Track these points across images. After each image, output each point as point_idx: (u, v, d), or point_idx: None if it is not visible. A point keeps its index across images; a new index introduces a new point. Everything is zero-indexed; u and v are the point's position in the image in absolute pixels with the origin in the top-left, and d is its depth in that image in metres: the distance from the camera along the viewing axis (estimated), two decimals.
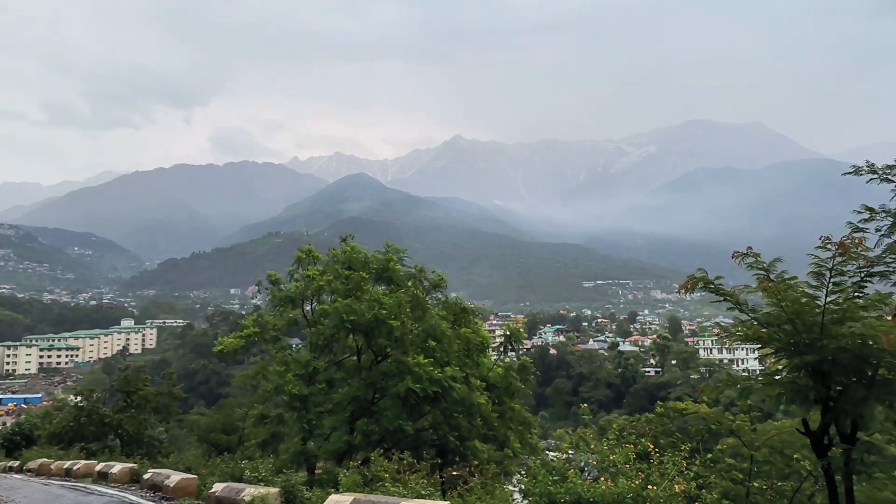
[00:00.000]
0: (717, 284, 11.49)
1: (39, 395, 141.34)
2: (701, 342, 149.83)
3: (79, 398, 35.48)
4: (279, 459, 19.99)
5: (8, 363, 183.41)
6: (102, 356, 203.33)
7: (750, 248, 11.48)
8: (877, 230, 11.92)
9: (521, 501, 11.38)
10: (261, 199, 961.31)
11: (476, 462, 17.41)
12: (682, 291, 11.92)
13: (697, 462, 13.25)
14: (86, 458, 24.69)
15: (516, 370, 26.34)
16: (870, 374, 10.63)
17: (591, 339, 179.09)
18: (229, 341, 24.56)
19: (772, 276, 11.03)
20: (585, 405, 36.28)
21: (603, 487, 9.40)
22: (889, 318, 10.87)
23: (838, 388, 10.93)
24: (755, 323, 11.49)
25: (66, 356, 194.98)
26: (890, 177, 12.05)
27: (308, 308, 25.21)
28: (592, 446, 11.97)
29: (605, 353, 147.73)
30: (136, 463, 21.20)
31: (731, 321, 12.64)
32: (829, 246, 10.62)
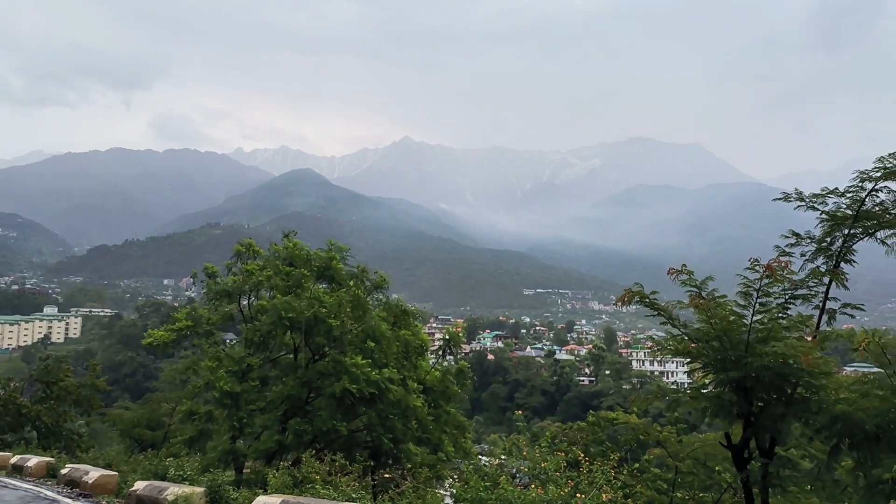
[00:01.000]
0: (652, 299, 11.82)
1: None
2: (634, 354, 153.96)
3: None
4: (206, 458, 19.47)
5: None
6: (22, 344, 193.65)
7: (685, 265, 11.86)
8: (802, 255, 12.54)
9: None
10: (201, 188, 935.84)
11: (409, 465, 17.41)
12: (619, 304, 12.22)
13: (625, 471, 13.61)
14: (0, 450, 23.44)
15: (454, 374, 26.44)
16: (789, 391, 11.13)
17: (528, 347, 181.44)
18: (160, 334, 23.79)
19: (703, 294, 11.43)
20: (520, 412, 36.76)
21: (533, 494, 9.53)
22: (809, 339, 11.42)
23: (760, 404, 11.41)
24: (686, 338, 11.87)
25: None
26: (816, 205, 12.68)
27: (245, 303, 24.68)
28: (525, 453, 12.12)
29: (542, 361, 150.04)
30: (53, 457, 20.29)
31: (663, 335, 13.03)
32: (757, 267, 11.08)
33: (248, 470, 21.29)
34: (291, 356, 22.67)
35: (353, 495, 10.94)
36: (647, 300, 11.82)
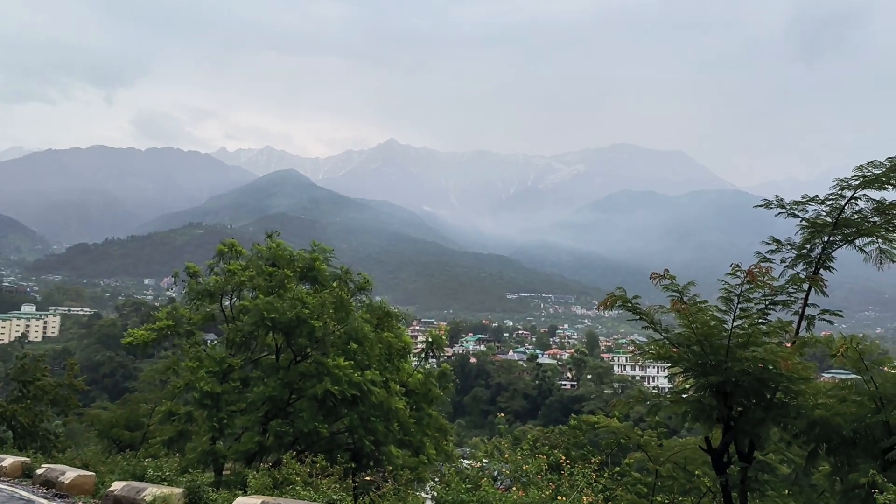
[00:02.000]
0: (634, 303, 11.91)
1: None
2: (616, 358, 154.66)
3: None
4: (185, 459, 19.26)
5: None
6: None
7: (667, 270, 11.96)
8: (782, 261, 12.70)
9: None
10: (183, 187, 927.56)
11: (390, 467, 17.37)
12: (602, 308, 12.30)
13: (606, 475, 13.67)
14: None
15: (436, 377, 26.40)
16: (768, 396, 11.25)
17: (511, 350, 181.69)
18: (139, 333, 23.54)
19: (685, 299, 11.54)
20: (502, 415, 36.87)
21: (514, 497, 9.54)
22: (789, 344, 11.56)
23: (739, 408, 11.52)
24: (667, 342, 11.97)
25: None
26: (796, 212, 12.85)
27: (227, 303, 24.49)
28: (506, 455, 12.13)
29: (524, 365, 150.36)
30: (28, 457, 19.95)
31: (645, 339, 13.11)
32: (738, 273, 11.21)
33: (228, 471, 21.11)
34: (273, 357, 22.53)
35: (334, 497, 10.88)
36: (630, 304, 11.90)
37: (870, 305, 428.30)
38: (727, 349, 11.02)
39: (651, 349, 12.24)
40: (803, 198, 12.78)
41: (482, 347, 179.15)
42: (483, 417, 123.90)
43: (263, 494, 10.96)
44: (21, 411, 30.82)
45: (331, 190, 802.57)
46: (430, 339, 28.34)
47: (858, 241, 12.24)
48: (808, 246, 12.62)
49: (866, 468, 9.35)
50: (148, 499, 11.91)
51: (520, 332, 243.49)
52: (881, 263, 12.00)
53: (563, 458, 12.09)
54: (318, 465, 12.24)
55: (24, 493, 15.11)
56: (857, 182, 11.87)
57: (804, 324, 12.39)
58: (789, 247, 12.77)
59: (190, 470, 15.55)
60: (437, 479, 13.33)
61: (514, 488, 10.26)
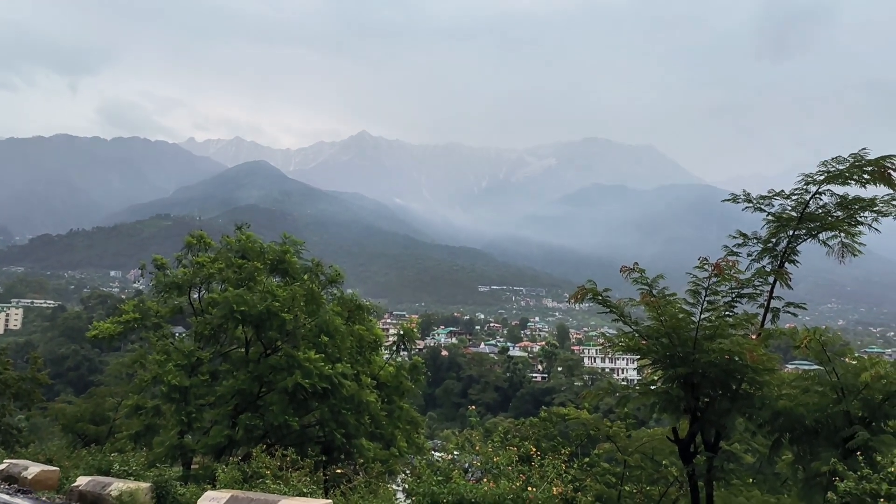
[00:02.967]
0: (605, 296, 12.03)
1: None
2: (586, 351, 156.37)
3: None
4: (152, 453, 18.98)
5: None
6: None
7: (636, 263, 12.10)
8: (748, 255, 12.92)
9: (405, 501, 11.40)
10: (150, 178, 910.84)
11: (362, 460, 17.30)
12: (572, 301, 12.40)
13: (575, 465, 13.81)
14: None
15: (407, 370, 26.41)
16: (734, 387, 11.47)
17: (482, 343, 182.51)
18: (105, 326, 23.08)
19: (654, 292, 11.68)
20: (473, 407, 37.04)
21: (485, 489, 9.58)
22: (754, 336, 11.79)
23: (706, 399, 11.73)
24: (636, 335, 12.12)
25: None
26: (762, 207, 13.08)
27: (195, 296, 24.12)
28: (477, 448, 12.17)
29: (496, 357, 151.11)
30: None
31: (615, 332, 13.26)
32: (706, 267, 11.38)
33: (197, 465, 20.87)
34: (243, 350, 22.30)
35: (304, 490, 10.82)
36: (600, 297, 12.02)
37: (832, 298, 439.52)
38: (695, 341, 11.19)
39: (621, 341, 12.38)
40: (769, 192, 13.01)
41: (454, 340, 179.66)
42: (454, 410, 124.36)
43: (232, 488, 10.85)
44: None
45: (302, 182, 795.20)
46: (401, 332, 28.30)
47: (822, 236, 12.52)
48: (774, 240, 12.86)
49: (828, 457, 9.60)
50: (114, 494, 11.71)
51: (491, 324, 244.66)
52: (843, 257, 12.29)
53: (534, 449, 12.18)
54: (288, 459, 12.15)
55: None
56: (821, 177, 12.11)
57: (769, 316, 12.64)
58: (755, 241, 13.00)
59: (157, 464, 15.32)
60: (408, 472, 13.34)
61: (485, 480, 10.31)
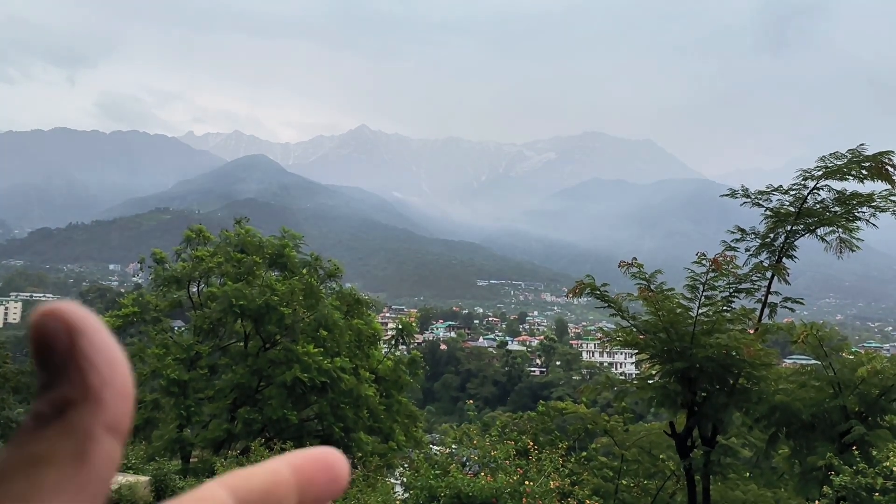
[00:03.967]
0: (603, 291, 12.05)
1: None
2: (585, 345, 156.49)
3: None
4: (152, 447, 19.05)
5: None
6: None
7: (635, 258, 12.12)
8: (746, 250, 12.93)
9: (403, 494, 11.44)
10: (150, 172, 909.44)
11: (360, 454, 17.37)
12: (571, 295, 12.42)
13: (573, 459, 13.87)
14: None
15: (406, 364, 26.46)
16: (731, 382, 11.51)
17: (481, 337, 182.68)
18: (104, 320, 22.97)
19: (652, 287, 11.70)
20: (471, 401, 37.11)
21: (482, 482, 9.62)
22: (752, 331, 11.81)
23: (703, 394, 11.76)
24: (634, 329, 12.15)
25: None
26: (760, 202, 13.08)
27: (195, 290, 24.14)
28: (475, 441, 12.22)
29: (494, 351, 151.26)
30: None
31: (613, 326, 13.29)
32: (703, 262, 11.40)
33: (196, 459, 20.93)
34: (242, 344, 22.33)
35: None
36: (598, 292, 12.04)
37: (830, 293, 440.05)
38: (692, 336, 11.22)
39: (619, 336, 12.41)
40: (767, 188, 13.01)
41: (452, 334, 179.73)
42: (453, 404, 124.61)
43: None
44: None
45: (301, 176, 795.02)
46: (400, 326, 28.34)
47: (820, 231, 12.52)
48: (772, 235, 12.87)
49: (824, 451, 9.65)
50: (113, 487, 11.75)
51: (490, 318, 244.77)
52: (841, 252, 12.30)
53: (531, 443, 12.23)
54: (286, 453, 12.19)
55: None
56: (819, 173, 12.12)
57: (767, 311, 12.66)
58: (753, 236, 13.01)
59: (156, 458, 15.38)
60: (406, 466, 13.38)
61: (483, 474, 10.35)
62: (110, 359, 0.49)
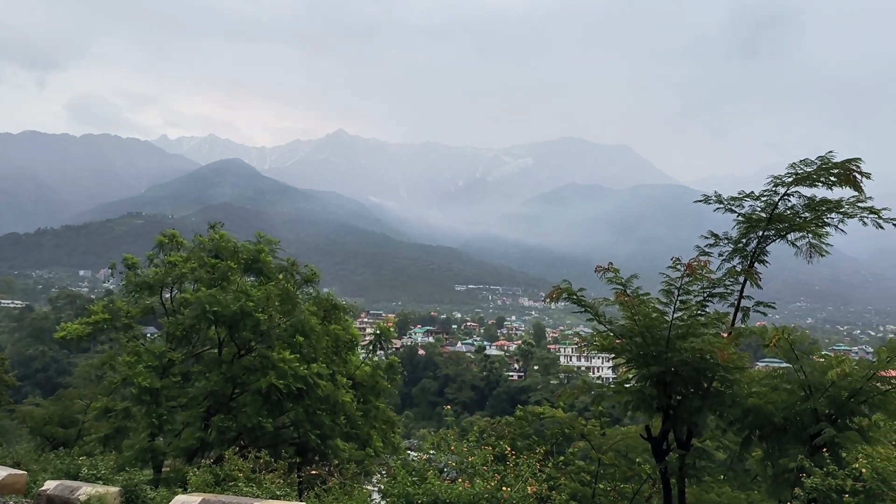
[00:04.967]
0: (580, 296, 12.11)
1: None
2: (562, 349, 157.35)
3: None
4: (122, 456, 18.67)
5: None
6: None
7: (611, 263, 12.19)
8: (720, 255, 13.11)
9: (380, 502, 11.36)
10: (121, 176, 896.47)
11: (336, 461, 17.22)
12: (548, 300, 12.46)
13: (550, 464, 13.89)
14: None
15: (384, 369, 26.33)
16: (706, 385, 11.62)
17: (459, 342, 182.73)
18: (74, 327, 22.64)
19: (628, 291, 11.78)
20: (449, 406, 37.07)
21: (460, 488, 9.59)
22: (725, 335, 11.95)
23: (678, 397, 11.86)
24: (611, 334, 12.21)
25: None
26: (733, 207, 13.27)
27: (167, 296, 23.78)
28: (453, 447, 12.18)
29: (472, 356, 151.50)
30: None
31: (590, 331, 13.35)
32: (678, 266, 11.51)
33: (168, 468, 20.58)
34: (216, 351, 22.04)
35: (278, 493, 10.72)
36: (575, 297, 12.09)
37: (801, 297, 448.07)
38: (668, 340, 11.31)
39: (595, 341, 12.47)
40: (740, 193, 13.20)
41: (430, 339, 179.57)
42: (431, 409, 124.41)
43: (204, 492, 10.71)
44: None
45: (277, 180, 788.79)
46: (377, 332, 28.22)
47: (791, 236, 12.73)
48: (744, 240, 13.06)
49: (795, 453, 9.78)
50: (82, 498, 11.49)
51: (468, 323, 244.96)
52: (811, 257, 12.52)
53: (509, 448, 12.23)
54: (261, 461, 12.03)
55: None
56: (790, 179, 12.32)
57: (740, 315, 12.83)
58: (726, 241, 13.19)
59: (127, 468, 15.06)
60: (383, 472, 13.30)
61: (461, 480, 10.31)
62: None
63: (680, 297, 11.50)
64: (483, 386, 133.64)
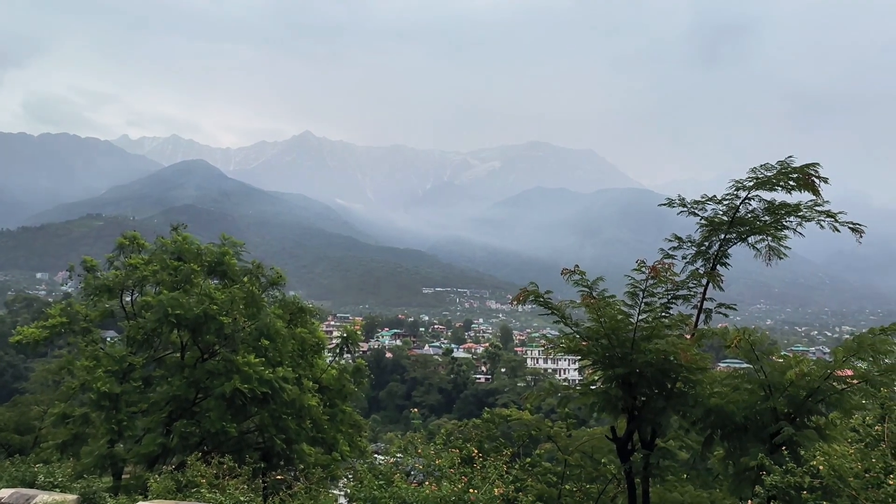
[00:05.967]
0: (546, 298, 12.19)
1: None
2: (529, 352, 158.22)
3: None
4: (80, 463, 18.18)
5: None
6: None
7: (577, 265, 12.31)
8: (683, 258, 13.34)
9: None
10: (81, 176, 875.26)
11: (302, 466, 17.03)
12: (515, 303, 12.52)
13: (517, 466, 13.94)
14: None
15: (351, 373, 26.12)
16: (669, 386, 11.80)
17: (426, 345, 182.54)
18: (30, 331, 21.95)
19: (594, 294, 11.91)
20: (416, 410, 36.99)
21: (427, 491, 9.56)
22: (688, 336, 12.16)
23: (643, 398, 12.02)
24: (577, 336, 12.32)
25: None
26: (696, 211, 13.52)
27: (128, 299, 23.24)
28: (420, 450, 12.14)
29: (440, 359, 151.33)
30: None
31: (557, 333, 13.45)
32: (643, 269, 11.67)
33: (128, 475, 20.11)
34: (178, 355, 21.62)
35: (242, 498, 10.55)
36: (542, 299, 12.17)
37: (761, 299, 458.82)
38: (633, 342, 11.46)
39: (562, 343, 12.57)
40: (703, 197, 13.46)
41: (398, 342, 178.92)
42: (398, 412, 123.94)
43: (165, 498, 10.49)
44: None
45: (242, 182, 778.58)
46: (344, 335, 27.99)
47: (751, 239, 13.03)
48: (707, 243, 13.32)
49: (756, 452, 9.97)
50: None
51: (435, 326, 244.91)
52: (770, 260, 12.83)
53: (476, 451, 12.23)
54: (225, 466, 11.83)
55: None
56: (750, 184, 12.61)
57: (702, 316, 13.07)
58: (690, 244, 13.43)
59: (85, 475, 14.66)
60: (350, 476, 13.19)
61: (428, 483, 10.28)
62: None
63: (645, 300, 11.66)
64: (450, 389, 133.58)
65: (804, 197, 12.39)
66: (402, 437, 19.71)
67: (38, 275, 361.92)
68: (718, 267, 13.21)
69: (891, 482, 7.70)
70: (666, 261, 12.31)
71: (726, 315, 13.36)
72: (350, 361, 28.31)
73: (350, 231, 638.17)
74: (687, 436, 13.20)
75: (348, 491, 10.87)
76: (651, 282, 11.56)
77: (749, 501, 9.44)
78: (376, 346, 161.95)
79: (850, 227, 12.10)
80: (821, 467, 8.34)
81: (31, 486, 13.21)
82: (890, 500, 7.55)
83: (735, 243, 13.19)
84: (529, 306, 12.76)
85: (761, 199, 12.84)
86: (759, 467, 9.27)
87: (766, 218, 12.87)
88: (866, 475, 8.14)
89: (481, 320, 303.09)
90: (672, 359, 11.24)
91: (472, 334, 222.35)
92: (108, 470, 19.50)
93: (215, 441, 19.37)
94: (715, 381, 11.87)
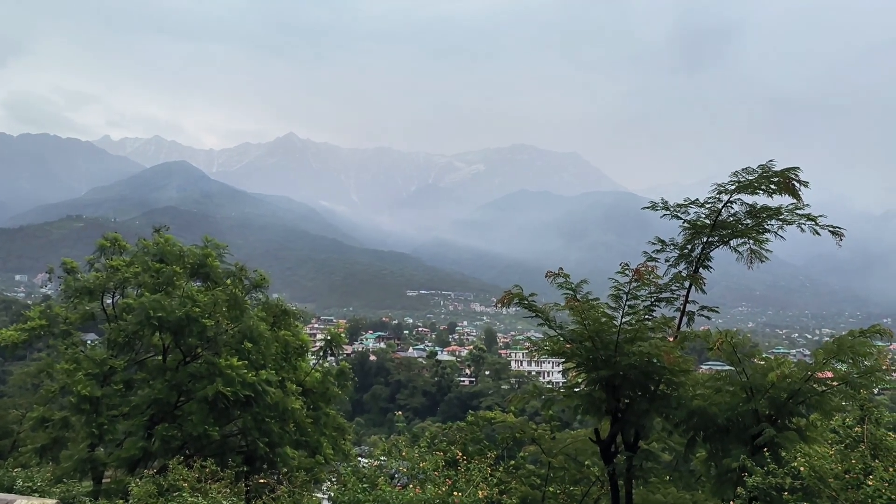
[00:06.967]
0: (531, 301, 12.22)
1: None
2: (513, 354, 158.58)
3: None
4: (60, 468, 17.92)
5: None
6: None
7: (561, 268, 12.35)
8: (666, 261, 13.43)
9: None
10: (61, 177, 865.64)
11: (285, 469, 16.92)
12: (499, 305, 12.53)
13: (501, 468, 13.95)
14: None
15: (335, 375, 26.00)
16: (652, 388, 11.88)
17: (410, 347, 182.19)
18: (8, 334, 21.63)
19: (578, 296, 11.95)
20: (400, 412, 36.94)
21: (411, 494, 9.54)
22: (671, 339, 12.24)
23: (626, 400, 12.09)
24: (561, 339, 12.36)
25: None
26: (679, 214, 13.62)
27: (109, 301, 22.97)
28: (404, 453, 12.11)
29: (424, 362, 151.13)
30: None
31: (541, 336, 13.48)
32: (627, 272, 11.74)
33: (109, 479, 19.86)
34: (160, 358, 21.40)
35: (224, 502, 10.46)
36: (526, 302, 12.20)
37: (743, 302, 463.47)
38: (616, 344, 11.51)
39: (546, 345, 12.61)
40: (685, 201, 13.57)
41: (382, 345, 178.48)
42: (382, 415, 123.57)
43: (146, 503, 10.37)
44: None
45: (225, 183, 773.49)
46: (328, 337, 27.87)
47: (733, 242, 13.15)
48: (689, 246, 13.42)
49: (738, 453, 10.06)
50: None
51: (420, 329, 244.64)
52: (752, 263, 12.95)
53: (460, 453, 12.23)
54: (208, 470, 11.72)
55: None
56: (732, 187, 12.73)
57: (685, 319, 13.17)
58: (672, 247, 13.53)
59: (65, 480, 14.48)
60: (333, 480, 13.13)
61: (412, 486, 10.26)
62: None
63: (628, 302, 11.73)
64: (434, 392, 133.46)
65: (785, 200, 12.54)
66: (386, 440, 19.62)
67: (17, 277, 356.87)
68: (701, 270, 13.31)
69: (870, 483, 7.80)
70: (649, 264, 12.39)
71: (709, 318, 13.46)
72: (334, 364, 28.18)
73: (334, 233, 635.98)
74: (670, 438, 13.28)
75: (332, 494, 10.82)
76: (634, 284, 11.63)
77: (731, 502, 9.52)
78: (360, 349, 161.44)
79: (830, 231, 12.25)
80: (802, 468, 8.44)
81: (10, 490, 13.00)
82: (869, 500, 7.65)
83: (717, 246, 13.30)
84: (514, 309, 12.78)
85: (743, 203, 12.97)
86: (741, 468, 9.36)
87: (748, 221, 13.00)
88: (846, 476, 8.24)
89: (465, 323, 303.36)
90: (655, 361, 11.32)
91: (457, 337, 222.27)
92: (89, 474, 19.27)
93: (197, 444, 19.19)
94: (697, 384, 11.97)
